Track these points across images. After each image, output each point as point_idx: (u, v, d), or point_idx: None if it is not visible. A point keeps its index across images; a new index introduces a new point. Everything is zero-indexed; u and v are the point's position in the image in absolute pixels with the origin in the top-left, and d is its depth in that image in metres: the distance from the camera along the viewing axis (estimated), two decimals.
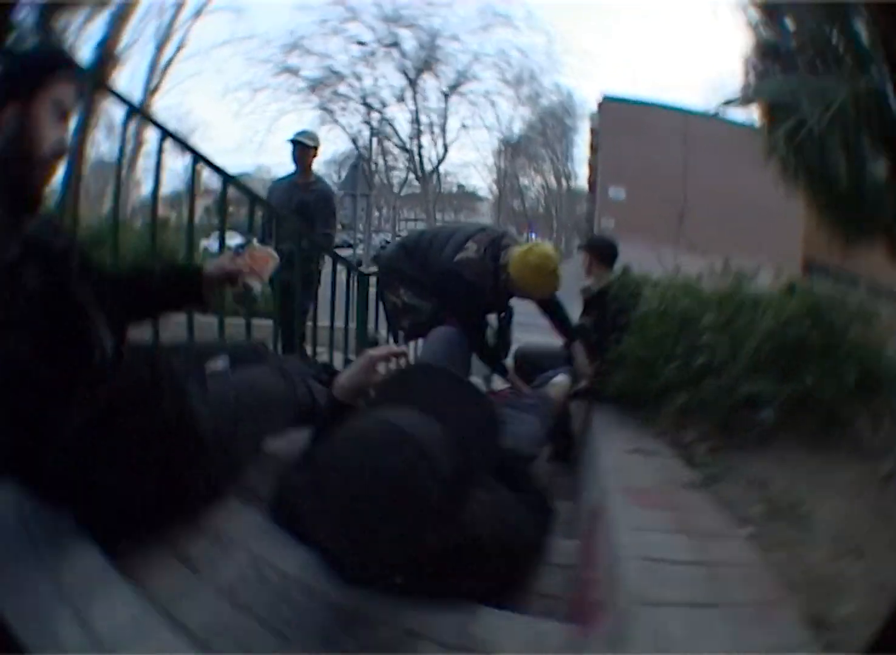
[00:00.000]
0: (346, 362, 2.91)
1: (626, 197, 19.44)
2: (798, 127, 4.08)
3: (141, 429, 1.07)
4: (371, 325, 3.54)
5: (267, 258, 1.49)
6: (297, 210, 3.47)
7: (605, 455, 1.83)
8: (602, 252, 2.95)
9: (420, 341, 3.03)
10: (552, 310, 2.97)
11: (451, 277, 2.65)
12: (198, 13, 14.88)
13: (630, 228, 13.18)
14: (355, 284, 3.48)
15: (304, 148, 3.79)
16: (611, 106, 19.06)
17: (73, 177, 1.74)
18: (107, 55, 7.87)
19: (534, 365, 2.81)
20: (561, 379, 2.51)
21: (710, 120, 16.35)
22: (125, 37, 9.37)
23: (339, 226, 4.02)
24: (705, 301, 2.44)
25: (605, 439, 2.05)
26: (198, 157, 1.79)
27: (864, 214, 4.11)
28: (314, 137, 3.99)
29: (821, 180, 4.23)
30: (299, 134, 3.92)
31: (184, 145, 1.79)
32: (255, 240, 1.54)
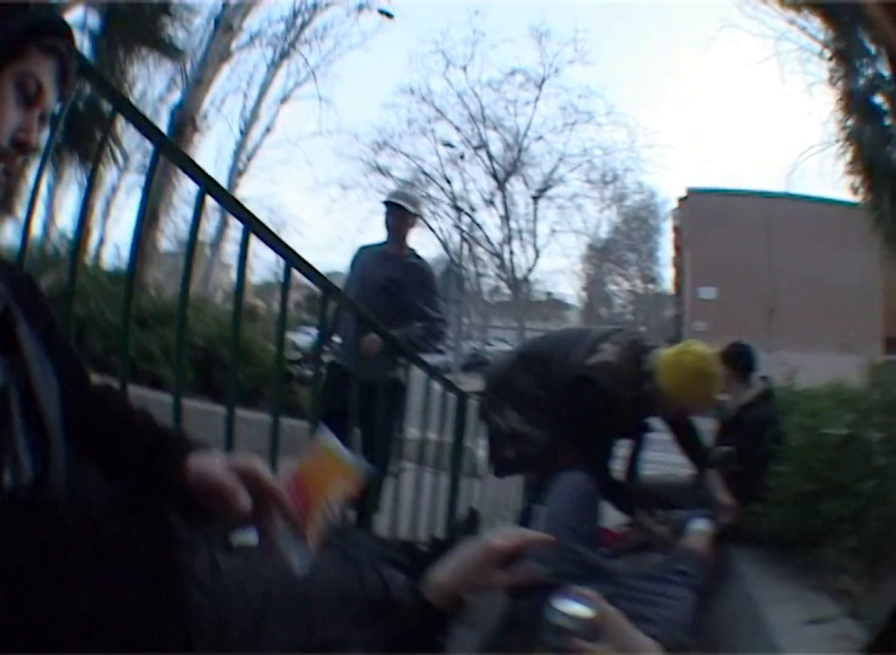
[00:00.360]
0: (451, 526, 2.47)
1: (717, 296, 18.84)
2: None
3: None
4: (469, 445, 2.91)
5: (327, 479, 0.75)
6: (386, 288, 2.77)
7: (778, 629, 1.39)
8: (740, 361, 2.53)
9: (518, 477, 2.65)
10: (685, 430, 2.43)
11: (583, 386, 2.11)
12: (284, 98, 14.88)
13: (723, 329, 12.58)
14: (449, 402, 2.72)
15: (401, 212, 2.94)
16: (695, 198, 18.95)
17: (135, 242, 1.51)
18: (184, 118, 7.54)
19: (656, 501, 2.39)
20: (703, 526, 2.02)
21: (791, 201, 15.94)
22: (205, 106, 8.87)
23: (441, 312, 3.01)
24: (866, 411, 2.09)
25: (767, 600, 1.61)
26: (289, 257, 1.59)
27: None
28: (414, 201, 3.16)
29: None
30: (396, 195, 3.21)
31: (268, 242, 1.56)
32: (325, 434, 0.79)
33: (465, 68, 19.55)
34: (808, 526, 1.92)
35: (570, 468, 1.93)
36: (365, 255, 3.06)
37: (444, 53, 19.50)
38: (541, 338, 2.71)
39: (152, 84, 9.46)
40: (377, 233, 4.57)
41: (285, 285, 1.58)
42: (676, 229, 22.52)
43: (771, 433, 2.23)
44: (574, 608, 0.92)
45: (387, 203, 3.01)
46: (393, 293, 2.76)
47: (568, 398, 2.16)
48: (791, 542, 2.00)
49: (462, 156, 20.44)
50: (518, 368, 2.33)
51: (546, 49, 19.54)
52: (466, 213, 20.78)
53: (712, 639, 1.80)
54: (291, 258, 1.46)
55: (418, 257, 3.07)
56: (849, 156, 6.17)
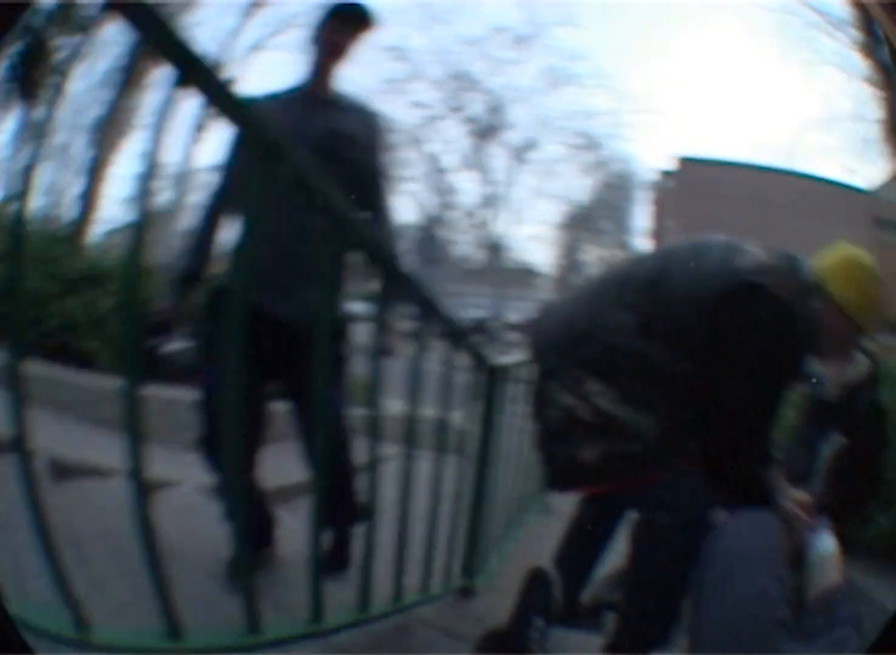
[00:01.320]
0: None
1: None
2: None
3: None
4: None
5: None
6: (318, 148, 1.31)
7: None
8: None
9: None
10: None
11: (745, 303, 1.34)
12: (257, 47, 13.61)
13: None
14: (478, 376, 2.00)
15: (342, 23, 1.74)
16: (687, 167, 18.39)
17: None
18: None
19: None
20: (831, 545, 1.45)
21: (790, 177, 15.62)
22: None
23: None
24: None
25: None
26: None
27: None
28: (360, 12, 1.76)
29: None
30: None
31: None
32: None
33: (446, 24, 18.49)
34: None
35: (691, 471, 1.34)
36: (275, 104, 1.74)
37: (426, 7, 18.33)
38: (631, 263, 1.68)
39: None
40: None
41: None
42: (658, 199, 22.06)
43: (884, 422, 1.92)
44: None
45: (333, 13, 1.72)
46: (326, 153, 1.40)
47: (718, 334, 1.34)
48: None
49: (439, 118, 19.49)
50: (606, 311, 1.44)
51: (533, 8, 18.64)
52: (442, 176, 20.02)
53: None
54: None
55: (356, 101, 1.87)
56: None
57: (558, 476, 1.51)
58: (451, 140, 19.82)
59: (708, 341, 1.35)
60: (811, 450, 1.91)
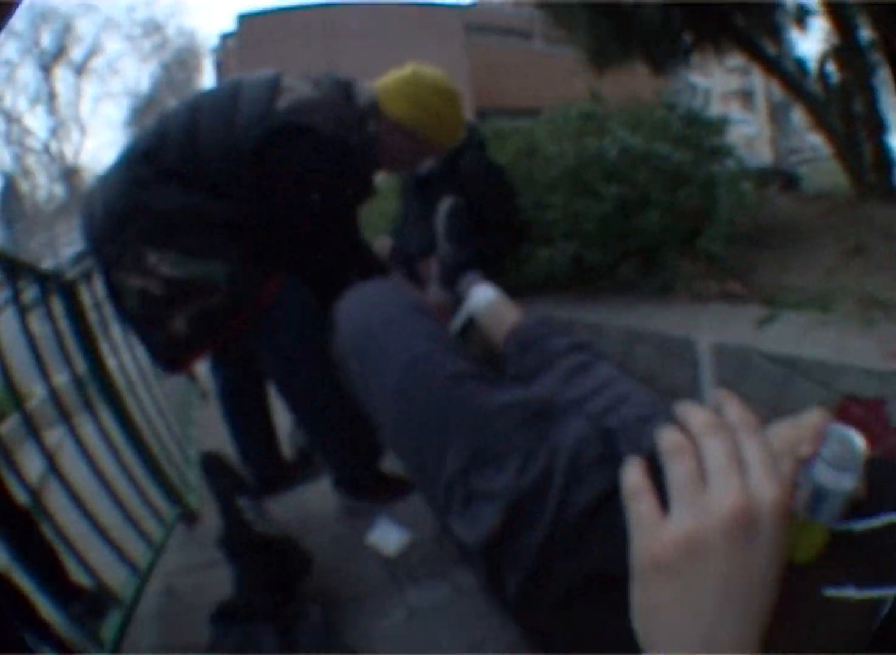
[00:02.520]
0: None
1: None
2: None
3: None
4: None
5: None
6: None
7: None
8: None
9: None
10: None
11: (285, 143, 1.33)
12: None
13: None
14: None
15: None
16: (248, 23, 17.23)
17: None
18: None
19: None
20: (491, 295, 1.43)
21: (351, 8, 15.85)
22: None
23: None
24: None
25: None
26: None
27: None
28: None
29: None
30: None
31: None
32: None
33: None
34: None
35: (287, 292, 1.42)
36: None
37: None
38: (155, 125, 1.47)
39: None
40: None
41: None
42: (224, 63, 20.86)
43: (503, 175, 2.12)
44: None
45: None
46: None
47: (263, 175, 1.34)
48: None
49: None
50: (137, 180, 1.33)
51: None
52: (15, 121, 17.75)
53: None
54: None
55: None
56: None
57: (166, 359, 1.45)
58: (23, 83, 17.94)
59: (260, 181, 1.36)
60: (426, 223, 2.01)
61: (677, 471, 0.37)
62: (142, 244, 1.31)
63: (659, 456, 0.38)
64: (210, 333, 1.38)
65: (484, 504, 0.75)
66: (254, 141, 1.32)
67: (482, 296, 1.39)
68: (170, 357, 1.43)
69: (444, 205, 1.94)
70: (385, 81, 1.52)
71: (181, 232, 1.31)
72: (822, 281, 2.00)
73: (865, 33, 3.40)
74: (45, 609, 1.12)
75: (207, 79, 23.14)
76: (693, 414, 0.39)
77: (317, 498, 1.76)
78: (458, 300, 1.48)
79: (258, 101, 1.36)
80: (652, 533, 0.37)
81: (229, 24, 21.74)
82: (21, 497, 1.22)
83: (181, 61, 22.24)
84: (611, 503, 0.73)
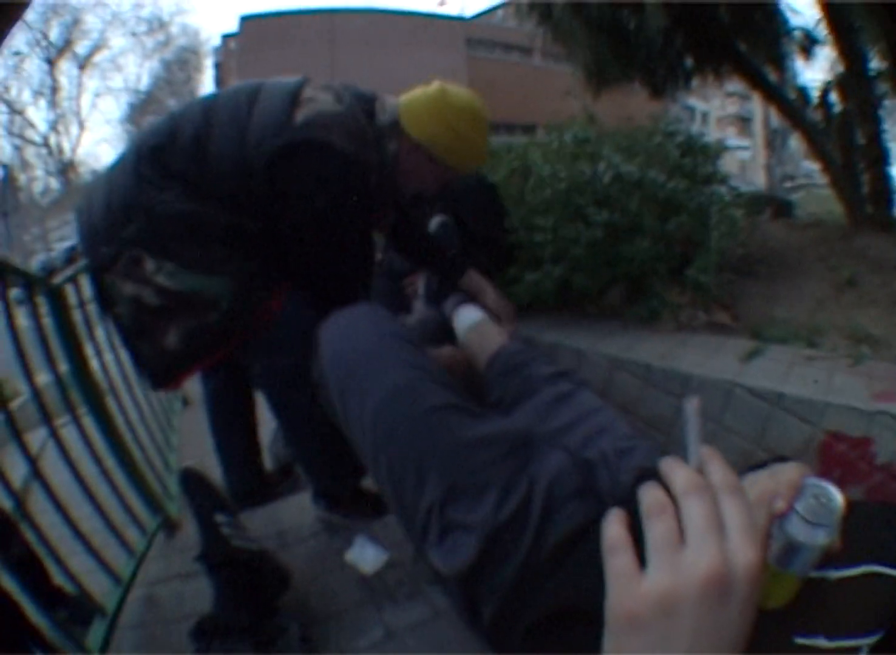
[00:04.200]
0: None
1: None
2: None
3: None
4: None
5: None
6: None
7: None
8: None
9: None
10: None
11: (304, 157, 1.27)
12: None
13: None
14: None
15: None
16: (250, 25, 17.32)
17: None
18: None
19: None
20: (476, 316, 1.47)
21: (353, 15, 15.99)
22: None
23: None
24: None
25: None
26: None
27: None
28: None
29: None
30: None
31: None
32: None
33: None
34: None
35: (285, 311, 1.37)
36: None
37: None
38: (167, 123, 1.38)
39: None
40: None
41: None
42: (224, 63, 20.96)
43: (496, 193, 2.09)
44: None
45: None
46: None
47: (271, 194, 1.29)
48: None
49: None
50: (143, 184, 1.28)
51: None
52: (17, 112, 17.94)
53: None
54: None
55: None
56: None
57: (153, 373, 1.39)
58: (28, 74, 18.04)
59: (270, 196, 1.30)
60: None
61: (657, 530, 0.38)
62: (140, 248, 1.26)
63: (640, 512, 0.39)
64: (203, 351, 1.34)
65: (461, 535, 0.77)
66: (266, 156, 1.27)
67: (467, 317, 1.40)
68: (158, 371, 1.38)
69: (434, 222, 1.93)
70: (409, 98, 1.45)
71: (181, 242, 1.27)
72: (812, 313, 2.02)
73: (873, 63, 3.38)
74: (32, 613, 1.11)
75: (207, 78, 23.52)
76: (676, 472, 0.40)
77: (295, 512, 1.76)
78: (442, 319, 1.50)
79: (275, 111, 1.30)
80: (628, 587, 0.38)
81: (234, 25, 21.97)
82: (4, 501, 1.20)
83: (183, 60, 22.41)
84: (588, 535, 0.74)
